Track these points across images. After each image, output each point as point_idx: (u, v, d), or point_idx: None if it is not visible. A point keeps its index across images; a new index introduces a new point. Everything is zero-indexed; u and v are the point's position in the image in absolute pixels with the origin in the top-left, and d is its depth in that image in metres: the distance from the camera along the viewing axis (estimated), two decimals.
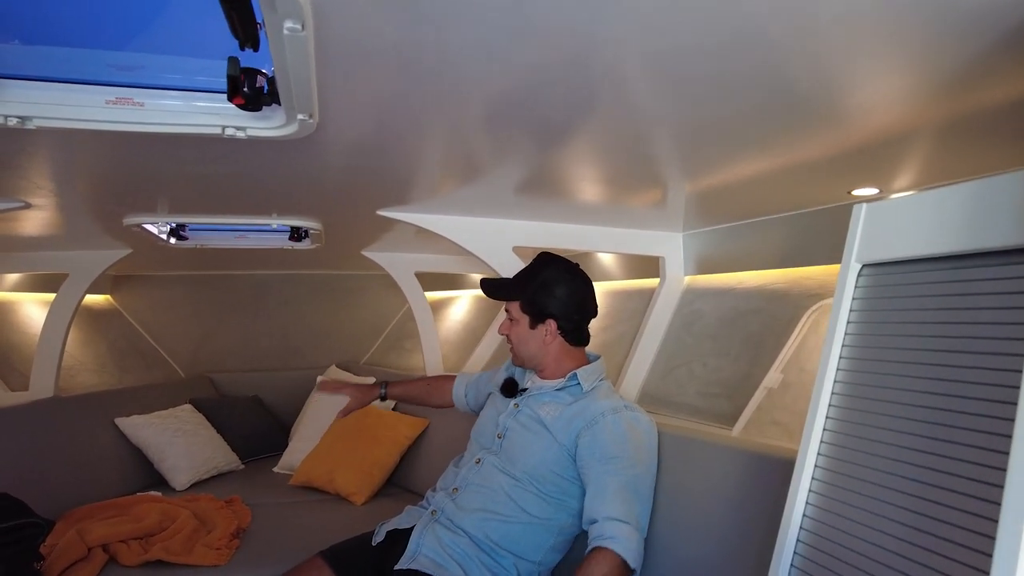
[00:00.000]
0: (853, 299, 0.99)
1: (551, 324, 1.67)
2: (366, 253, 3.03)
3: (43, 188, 1.62)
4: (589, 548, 1.42)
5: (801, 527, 0.98)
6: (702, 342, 2.13)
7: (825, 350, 1.00)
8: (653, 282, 2.44)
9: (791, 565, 0.98)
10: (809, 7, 0.73)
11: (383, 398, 2.04)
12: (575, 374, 1.65)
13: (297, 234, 2.40)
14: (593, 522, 1.45)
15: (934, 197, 0.91)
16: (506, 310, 1.73)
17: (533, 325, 1.67)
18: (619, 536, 1.40)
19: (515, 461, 1.58)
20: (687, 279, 2.34)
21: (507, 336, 1.73)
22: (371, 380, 3.37)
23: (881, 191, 1.61)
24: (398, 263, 3.13)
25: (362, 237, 2.67)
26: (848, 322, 0.98)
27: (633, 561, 1.39)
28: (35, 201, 1.73)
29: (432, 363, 3.26)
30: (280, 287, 4.04)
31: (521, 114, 1.15)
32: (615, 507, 1.44)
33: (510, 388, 1.74)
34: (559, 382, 1.66)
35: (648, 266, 2.48)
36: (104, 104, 1.07)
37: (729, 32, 0.80)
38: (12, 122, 1.03)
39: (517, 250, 2.16)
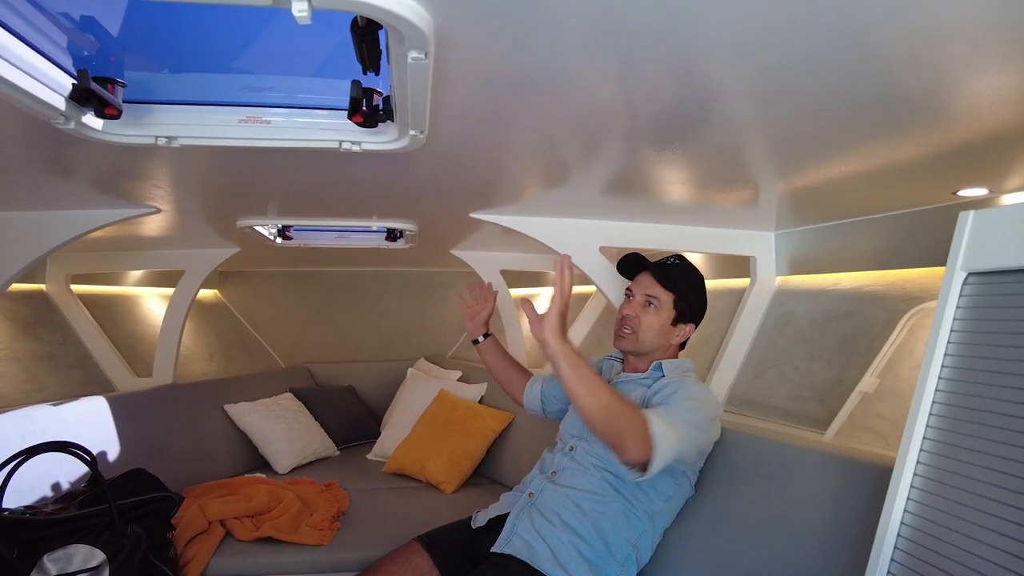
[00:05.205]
0: (957, 307, 0.97)
1: (690, 328, 1.73)
2: (455, 252, 3.13)
3: (170, 195, 1.79)
4: None
5: (898, 535, 0.98)
6: (794, 344, 2.10)
7: (927, 357, 0.99)
8: (741, 282, 2.42)
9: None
10: (918, 15, 0.73)
11: (485, 336, 2.21)
12: (660, 363, 1.68)
13: (393, 235, 2.52)
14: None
15: None
16: (646, 294, 1.68)
17: (675, 322, 1.70)
18: (656, 420, 1.38)
19: None
20: (779, 280, 2.30)
21: (628, 317, 1.69)
22: (458, 374, 3.49)
23: (991, 191, 1.54)
24: (484, 261, 3.22)
25: (452, 237, 2.77)
26: (952, 331, 0.97)
27: (657, 438, 1.35)
28: (163, 206, 1.91)
29: (516, 357, 3.33)
30: (373, 284, 4.23)
31: (618, 126, 1.19)
32: (667, 415, 1.44)
33: None
34: (644, 374, 1.70)
35: (735, 266, 2.45)
36: (237, 123, 1.18)
37: (835, 44, 0.81)
38: (161, 142, 1.15)
39: (604, 250, 2.19)
